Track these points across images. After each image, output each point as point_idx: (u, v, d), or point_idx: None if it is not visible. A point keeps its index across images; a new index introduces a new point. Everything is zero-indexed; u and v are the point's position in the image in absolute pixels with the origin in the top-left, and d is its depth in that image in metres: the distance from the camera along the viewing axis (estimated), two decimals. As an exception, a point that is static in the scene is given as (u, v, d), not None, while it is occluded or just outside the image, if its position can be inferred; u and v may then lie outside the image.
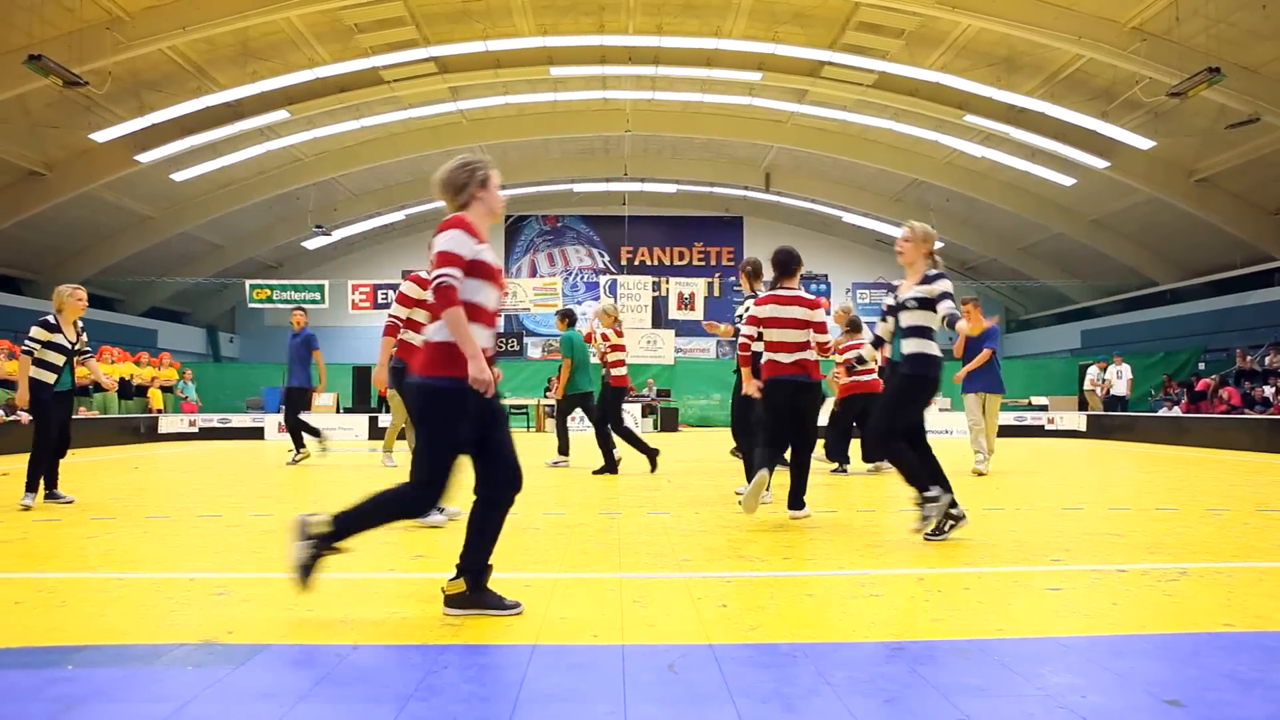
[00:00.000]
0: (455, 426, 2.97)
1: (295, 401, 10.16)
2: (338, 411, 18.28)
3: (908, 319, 4.74)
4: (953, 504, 4.60)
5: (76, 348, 6.46)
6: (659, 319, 24.58)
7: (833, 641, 2.73)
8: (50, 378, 6.28)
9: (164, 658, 2.56)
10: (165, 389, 18.91)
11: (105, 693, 2.26)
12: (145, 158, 18.38)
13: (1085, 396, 18.85)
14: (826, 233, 28.26)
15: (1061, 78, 16.84)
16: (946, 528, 4.59)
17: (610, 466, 8.73)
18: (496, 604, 3.03)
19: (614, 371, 8.81)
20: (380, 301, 20.88)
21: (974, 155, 21.22)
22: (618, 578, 3.70)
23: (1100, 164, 18.77)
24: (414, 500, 3.04)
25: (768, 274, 5.92)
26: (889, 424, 4.71)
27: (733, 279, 25.63)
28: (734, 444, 7.93)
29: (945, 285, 4.65)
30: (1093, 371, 19.07)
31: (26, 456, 6.35)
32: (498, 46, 17.28)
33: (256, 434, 17.69)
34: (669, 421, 20.27)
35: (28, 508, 6.08)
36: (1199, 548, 4.50)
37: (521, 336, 27.59)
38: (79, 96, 15.53)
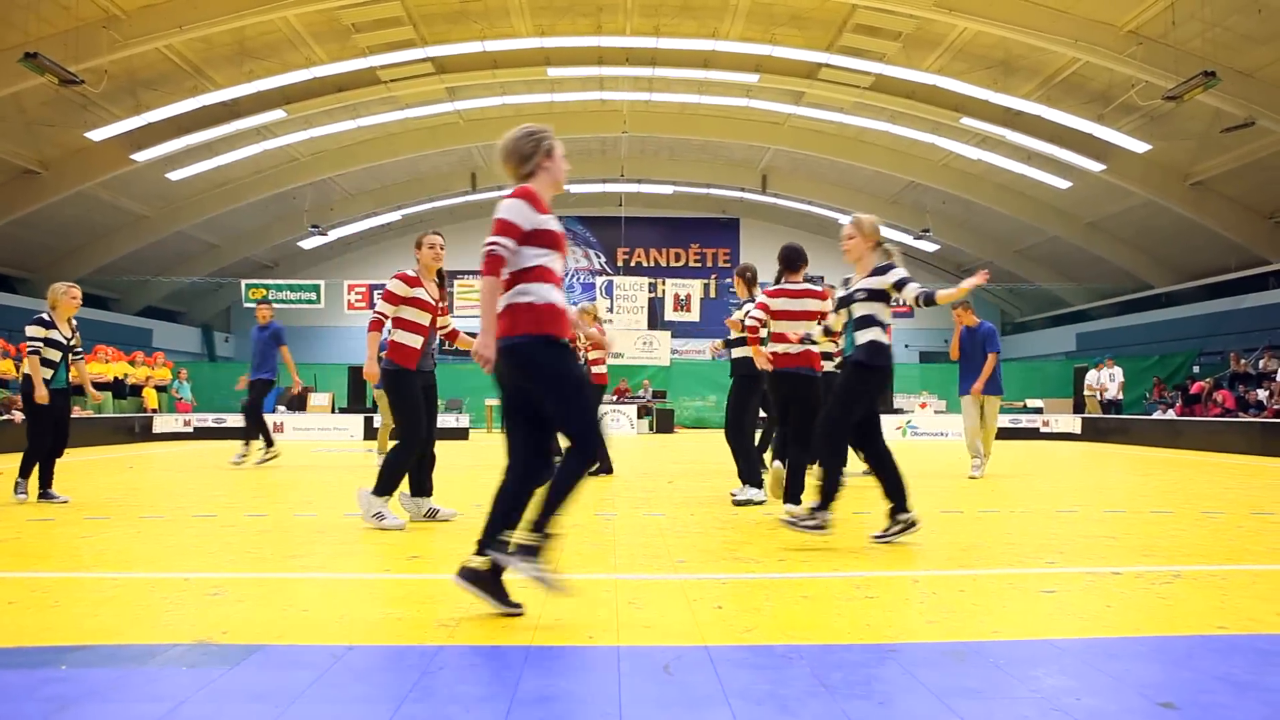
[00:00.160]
0: (576, 367, 3.08)
1: (260, 394, 10.14)
2: (333, 411, 18.25)
3: (858, 310, 4.69)
4: (824, 523, 4.50)
5: (72, 344, 6.58)
6: (655, 320, 24.59)
7: (828, 643, 2.73)
8: (47, 374, 6.35)
9: (158, 658, 2.55)
10: (160, 388, 18.87)
11: (99, 693, 2.25)
12: (141, 157, 18.36)
13: (1085, 399, 18.85)
14: (823, 234, 28.18)
15: (1057, 81, 16.89)
16: (806, 525, 4.50)
17: (605, 467, 8.75)
18: (503, 599, 3.01)
19: (594, 369, 8.88)
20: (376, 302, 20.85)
21: (970, 158, 21.28)
22: (613, 579, 3.70)
23: (1096, 167, 18.83)
24: (582, 458, 3.03)
25: (764, 276, 6.00)
26: (840, 414, 4.60)
27: (728, 281, 25.65)
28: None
29: (900, 272, 4.59)
30: (1092, 375, 19.09)
31: (20, 455, 6.39)
32: (495, 47, 17.28)
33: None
34: (665, 423, 20.26)
35: (24, 499, 6.25)
36: (1193, 551, 4.51)
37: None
38: (75, 95, 15.49)
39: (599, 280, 25.12)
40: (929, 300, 4.46)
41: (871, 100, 18.98)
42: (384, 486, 5.09)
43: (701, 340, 27.54)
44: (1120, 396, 18.40)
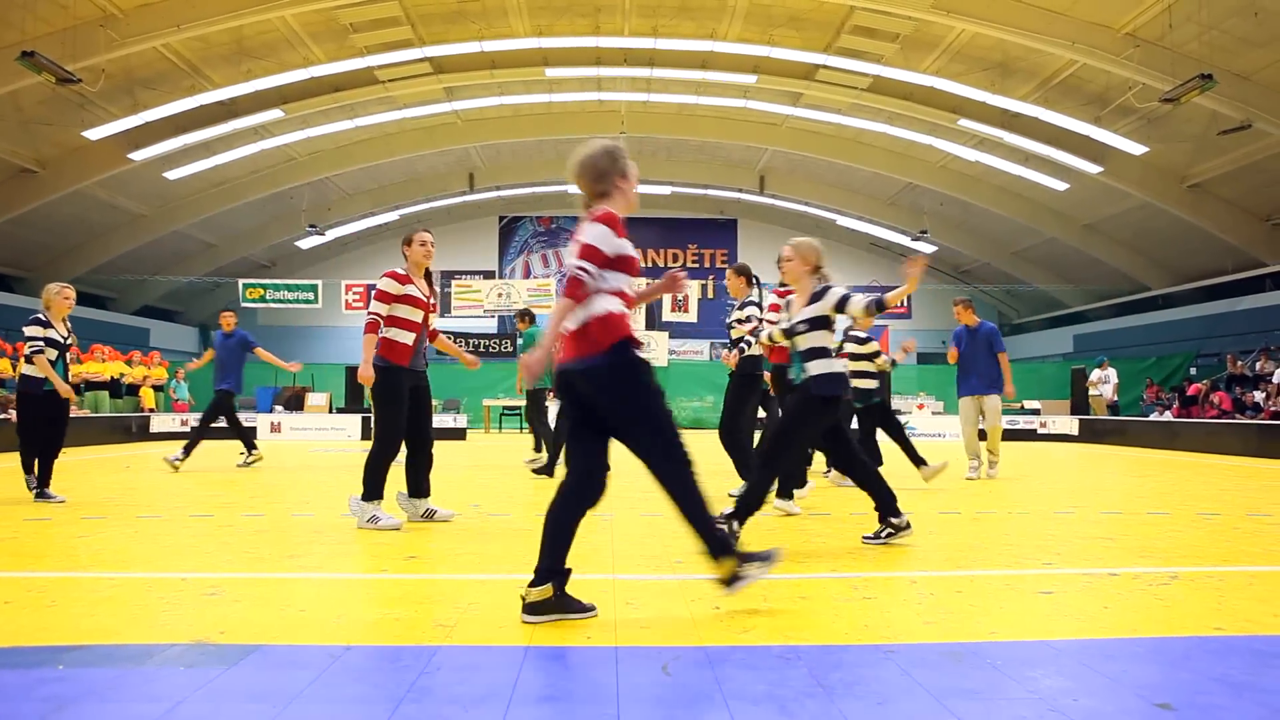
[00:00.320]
0: (653, 378, 3.09)
1: (223, 405, 9.92)
2: (330, 411, 18.23)
3: (803, 343, 4.54)
4: (735, 534, 4.33)
5: (69, 343, 6.63)
6: (652, 321, 24.58)
7: (826, 644, 2.73)
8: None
9: (155, 658, 2.55)
10: (157, 388, 18.84)
11: (96, 693, 2.25)
12: (138, 156, 18.33)
13: (1090, 400, 18.82)
14: (821, 236, 27.91)
15: (1055, 83, 16.92)
16: (735, 528, 4.35)
17: (549, 469, 8.68)
18: (577, 608, 3.01)
19: None
20: (374, 302, 20.85)
21: (968, 159, 21.31)
22: (611, 579, 3.70)
23: (1093, 169, 18.87)
24: (686, 461, 3.10)
25: (765, 277, 5.98)
26: (784, 441, 4.50)
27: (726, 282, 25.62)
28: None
29: (838, 291, 4.46)
30: (1096, 374, 19.07)
31: (18, 455, 6.42)
32: (493, 47, 17.27)
33: (249, 434, 17.56)
34: (663, 423, 20.21)
35: (33, 488, 6.45)
36: (1190, 552, 4.52)
37: (514, 338, 27.55)
38: (72, 94, 15.47)
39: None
40: (880, 306, 4.31)
41: (869, 101, 18.99)
42: (370, 491, 5.09)
43: (699, 341, 27.57)
44: (1115, 398, 18.42)
